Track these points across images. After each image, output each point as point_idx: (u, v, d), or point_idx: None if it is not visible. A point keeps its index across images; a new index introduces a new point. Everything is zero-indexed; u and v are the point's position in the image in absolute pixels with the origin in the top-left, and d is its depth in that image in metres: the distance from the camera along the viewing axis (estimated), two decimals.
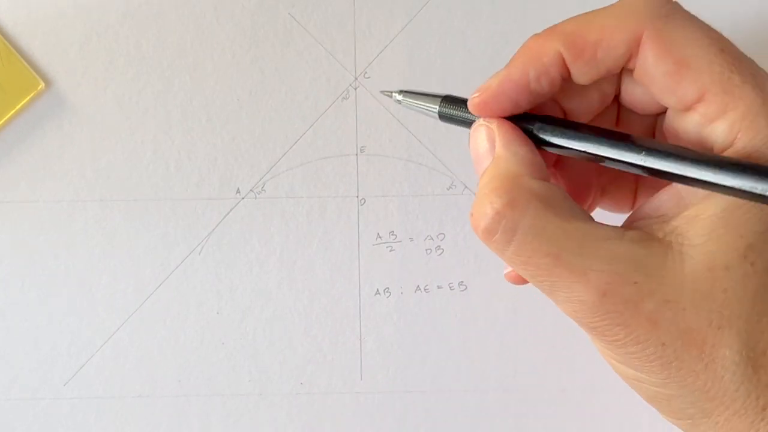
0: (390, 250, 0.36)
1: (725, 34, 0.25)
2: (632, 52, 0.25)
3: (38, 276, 0.35)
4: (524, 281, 0.26)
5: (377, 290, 0.36)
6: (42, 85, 0.35)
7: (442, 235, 0.36)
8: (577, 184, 0.29)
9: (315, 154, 0.36)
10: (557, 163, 0.29)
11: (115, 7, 0.36)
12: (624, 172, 0.25)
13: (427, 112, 0.29)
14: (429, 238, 0.36)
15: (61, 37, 0.35)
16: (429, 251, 0.36)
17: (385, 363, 0.36)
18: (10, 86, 0.35)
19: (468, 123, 0.28)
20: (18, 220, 0.35)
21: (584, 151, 0.25)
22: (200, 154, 0.36)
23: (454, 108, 0.28)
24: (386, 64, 0.36)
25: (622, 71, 0.26)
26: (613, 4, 0.25)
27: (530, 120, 0.26)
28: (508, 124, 0.26)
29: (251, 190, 0.36)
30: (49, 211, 0.35)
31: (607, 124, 0.29)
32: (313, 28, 0.36)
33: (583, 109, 0.28)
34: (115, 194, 0.35)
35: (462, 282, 0.36)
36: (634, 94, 0.27)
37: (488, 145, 0.26)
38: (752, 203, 0.23)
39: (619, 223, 0.26)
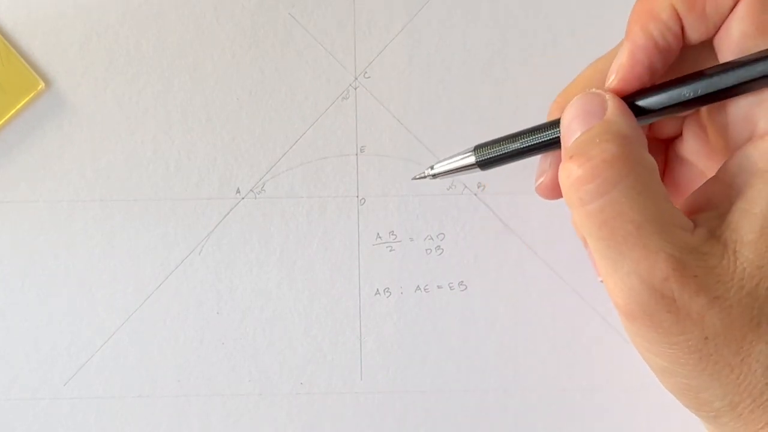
0: (390, 250, 0.36)
1: None
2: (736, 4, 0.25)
3: (38, 276, 0.35)
4: (557, 196, 0.26)
5: (377, 290, 0.36)
6: (42, 85, 0.35)
7: (442, 235, 0.36)
8: None
9: (315, 154, 0.36)
10: None
11: (115, 7, 0.36)
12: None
13: (466, 170, 0.30)
14: (429, 238, 0.36)
15: (61, 37, 0.35)
16: (429, 251, 0.36)
17: (385, 363, 0.36)
18: (10, 86, 0.35)
19: (510, 157, 0.29)
20: (18, 220, 0.35)
21: (686, 100, 0.26)
22: (200, 154, 0.36)
23: (490, 150, 0.29)
24: (386, 64, 0.36)
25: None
26: None
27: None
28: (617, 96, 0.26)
29: (251, 190, 0.36)
30: (49, 211, 0.35)
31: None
32: (313, 28, 0.36)
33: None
34: (115, 194, 0.35)
35: (462, 282, 0.36)
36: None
37: (598, 109, 0.26)
38: None
39: None
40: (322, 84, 0.36)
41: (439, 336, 0.36)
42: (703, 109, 0.28)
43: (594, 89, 0.27)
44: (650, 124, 0.30)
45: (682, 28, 0.26)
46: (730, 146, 0.26)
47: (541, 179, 0.30)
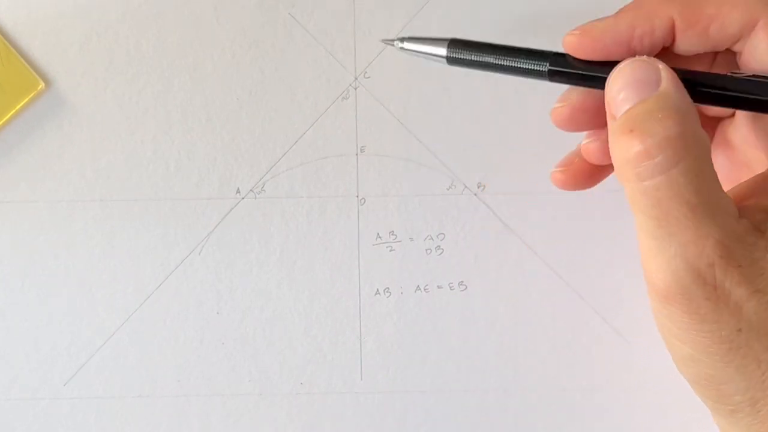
0: (390, 250, 0.36)
1: None
2: (743, 34, 0.25)
3: (38, 276, 0.35)
4: (571, 127, 0.27)
5: (377, 290, 0.36)
6: (42, 85, 0.35)
7: (442, 235, 0.36)
8: None
9: (315, 154, 0.36)
10: None
11: (115, 7, 0.36)
12: None
13: (433, 58, 0.28)
14: (429, 238, 0.36)
15: (61, 37, 0.35)
16: (429, 251, 0.36)
17: (385, 363, 0.36)
18: (10, 86, 0.35)
19: (480, 65, 0.27)
20: (18, 220, 0.35)
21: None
22: (200, 154, 0.36)
23: (463, 52, 0.28)
24: (386, 64, 0.36)
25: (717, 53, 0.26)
26: None
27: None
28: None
29: (251, 190, 0.36)
30: (49, 211, 0.35)
31: None
32: (313, 28, 0.36)
33: None
34: (115, 194, 0.35)
35: (462, 282, 0.36)
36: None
37: (653, 79, 0.25)
38: None
39: None
40: (322, 84, 0.36)
41: (439, 336, 0.36)
42: None
43: (644, 57, 0.25)
44: None
45: (674, 38, 0.26)
46: None
47: (562, 106, 0.29)
